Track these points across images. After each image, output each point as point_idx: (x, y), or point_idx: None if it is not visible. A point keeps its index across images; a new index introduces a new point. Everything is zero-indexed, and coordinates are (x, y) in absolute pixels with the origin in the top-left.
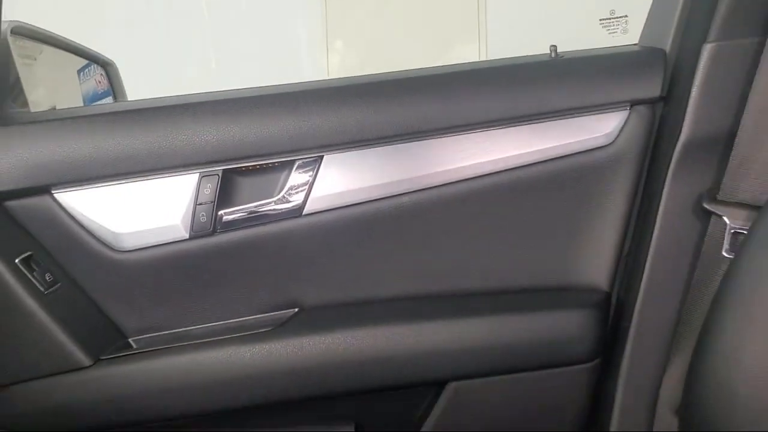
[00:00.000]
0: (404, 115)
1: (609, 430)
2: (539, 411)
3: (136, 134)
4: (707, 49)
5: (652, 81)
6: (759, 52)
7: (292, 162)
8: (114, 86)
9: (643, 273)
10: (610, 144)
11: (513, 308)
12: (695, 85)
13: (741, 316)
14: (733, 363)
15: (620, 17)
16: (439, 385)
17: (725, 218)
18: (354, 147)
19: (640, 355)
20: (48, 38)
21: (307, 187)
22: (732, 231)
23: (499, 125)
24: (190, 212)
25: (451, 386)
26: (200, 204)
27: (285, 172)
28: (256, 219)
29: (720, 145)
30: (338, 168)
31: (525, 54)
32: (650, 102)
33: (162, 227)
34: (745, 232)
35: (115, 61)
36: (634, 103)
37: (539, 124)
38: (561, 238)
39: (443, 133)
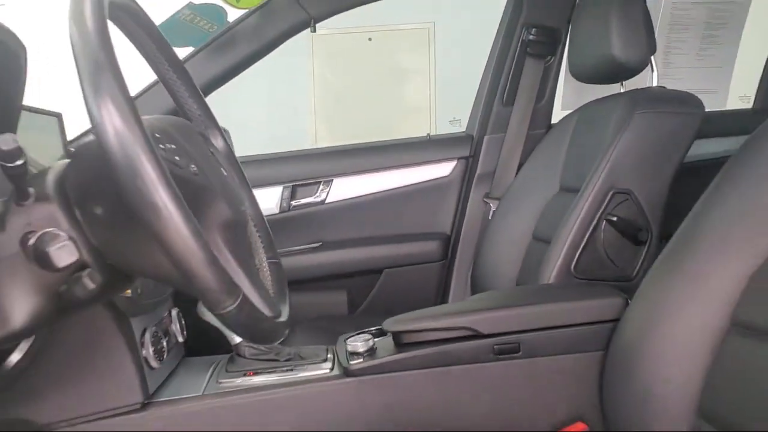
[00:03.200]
0: (355, 163)
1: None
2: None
3: None
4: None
5: (466, 149)
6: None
7: (322, 181)
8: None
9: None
10: (448, 176)
11: None
12: (482, 150)
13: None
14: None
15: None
16: None
17: (491, 204)
18: (341, 176)
19: None
20: None
21: (327, 190)
22: (492, 210)
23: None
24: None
25: None
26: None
27: (320, 186)
28: (307, 205)
29: (490, 176)
30: (336, 184)
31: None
32: (465, 158)
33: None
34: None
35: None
36: (458, 158)
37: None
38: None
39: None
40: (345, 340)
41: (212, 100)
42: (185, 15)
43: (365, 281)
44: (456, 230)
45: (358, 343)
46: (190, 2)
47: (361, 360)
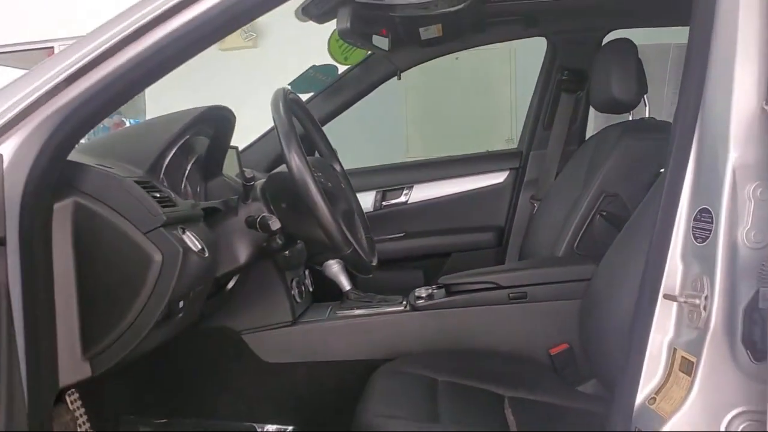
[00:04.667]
0: (431, 173)
1: None
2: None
3: None
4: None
5: (516, 162)
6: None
7: (405, 187)
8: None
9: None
10: (502, 182)
11: None
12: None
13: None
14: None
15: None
16: None
17: (535, 204)
18: (421, 183)
19: None
20: None
21: (410, 194)
22: (535, 208)
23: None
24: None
25: None
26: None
27: (404, 190)
28: (394, 205)
29: (534, 182)
30: (417, 189)
31: None
32: (516, 169)
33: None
34: None
35: None
36: (510, 168)
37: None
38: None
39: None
40: (414, 290)
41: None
42: (310, 72)
43: (437, 263)
44: (508, 223)
45: (422, 291)
46: (313, 65)
47: (423, 301)
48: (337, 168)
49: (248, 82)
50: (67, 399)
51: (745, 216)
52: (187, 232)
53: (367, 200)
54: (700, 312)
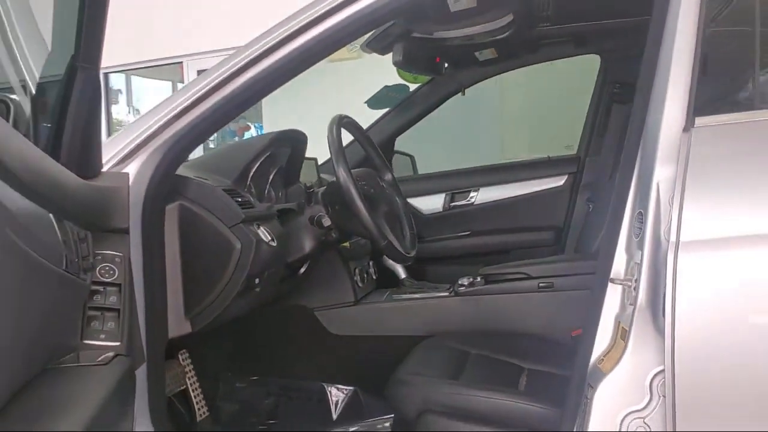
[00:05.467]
0: (496, 177)
1: None
2: None
3: None
4: None
5: (574, 166)
6: None
7: (472, 189)
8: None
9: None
10: (561, 185)
11: None
12: (585, 167)
13: None
14: None
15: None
16: None
17: (590, 205)
18: (486, 186)
19: None
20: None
21: (476, 196)
22: (590, 209)
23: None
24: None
25: None
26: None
27: (471, 192)
28: (462, 206)
29: (590, 186)
30: (482, 191)
31: None
32: (573, 173)
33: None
34: None
35: None
36: (569, 173)
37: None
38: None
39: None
40: (459, 279)
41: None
42: (383, 92)
43: (499, 259)
44: (566, 223)
45: (465, 280)
46: (386, 85)
47: (464, 288)
48: (388, 177)
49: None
50: (180, 357)
51: (667, 218)
52: (261, 228)
53: (437, 202)
54: (632, 292)
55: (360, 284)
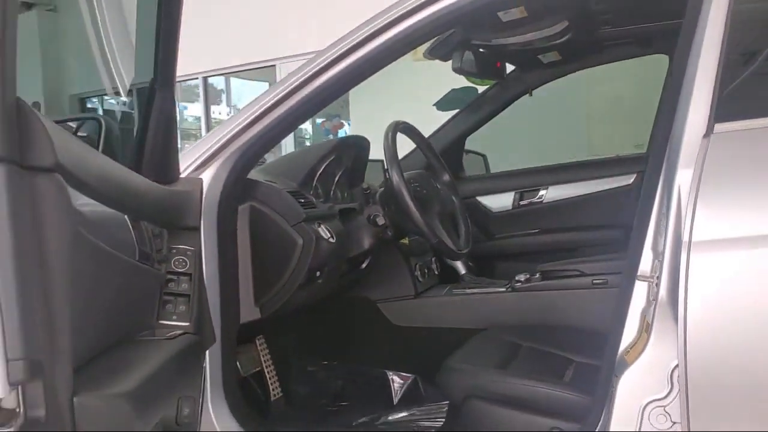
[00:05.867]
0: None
1: None
2: None
3: None
4: None
5: (644, 165)
6: None
7: (541, 188)
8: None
9: None
10: (630, 184)
11: None
12: None
13: None
14: None
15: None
16: None
17: None
18: (555, 184)
19: None
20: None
21: (545, 194)
22: None
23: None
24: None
25: None
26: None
27: (540, 191)
28: (531, 204)
29: None
30: (551, 190)
31: None
32: (643, 172)
33: None
34: None
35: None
36: (638, 171)
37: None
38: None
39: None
40: (515, 276)
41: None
42: (451, 94)
43: (566, 257)
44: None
45: (522, 276)
46: (453, 88)
47: (520, 284)
48: (445, 178)
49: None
50: (257, 342)
51: (686, 219)
52: (322, 226)
53: (507, 200)
54: (654, 288)
55: (421, 279)
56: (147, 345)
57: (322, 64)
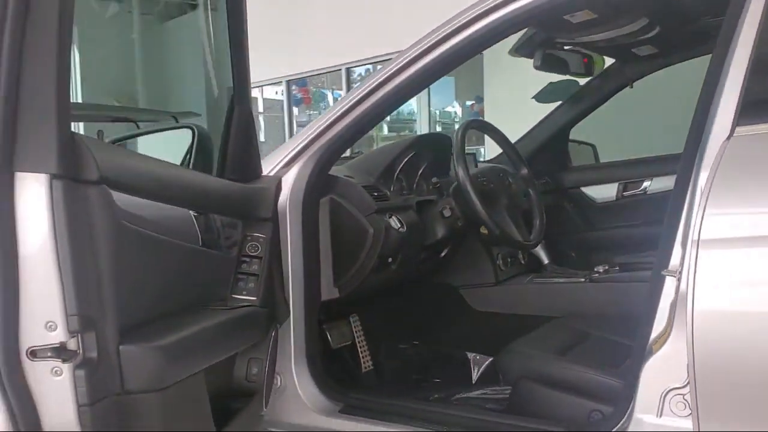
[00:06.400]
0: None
1: None
2: None
3: None
4: None
5: None
6: None
7: (644, 180)
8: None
9: None
10: None
11: None
12: None
13: None
14: None
15: None
16: None
17: None
18: (660, 176)
19: None
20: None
21: (649, 185)
22: None
23: None
24: None
25: None
26: None
27: (645, 182)
28: (633, 195)
29: None
30: (655, 181)
31: None
32: None
33: None
34: None
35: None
36: None
37: None
38: None
39: None
40: (594, 268)
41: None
42: (549, 87)
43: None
44: None
45: (601, 267)
46: (551, 81)
47: (598, 275)
48: (523, 172)
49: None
50: (350, 318)
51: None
52: (393, 217)
53: (611, 191)
54: (676, 282)
55: (503, 267)
56: (214, 312)
57: (398, 66)
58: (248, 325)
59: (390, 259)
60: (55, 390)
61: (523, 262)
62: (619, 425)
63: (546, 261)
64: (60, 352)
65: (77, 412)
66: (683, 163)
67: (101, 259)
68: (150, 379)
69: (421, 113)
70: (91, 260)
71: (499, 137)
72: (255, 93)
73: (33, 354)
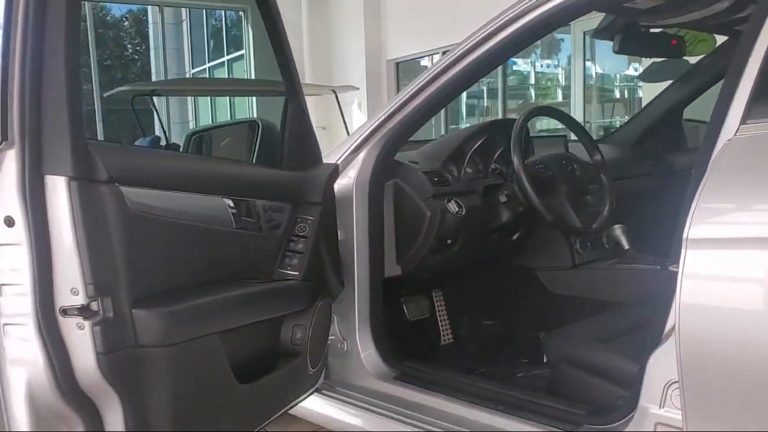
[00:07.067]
0: None
1: None
2: None
3: None
4: None
5: None
6: None
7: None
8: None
9: None
10: None
11: None
12: None
13: None
14: None
15: None
16: None
17: None
18: None
19: None
20: None
21: None
22: None
23: None
24: None
25: None
26: None
27: None
28: None
29: None
30: None
31: None
32: None
33: None
34: None
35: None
36: None
37: None
38: None
39: None
40: None
41: None
42: (654, 66)
43: None
44: None
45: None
46: (654, 61)
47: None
48: (597, 157)
49: None
50: (433, 294)
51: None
52: (452, 201)
53: None
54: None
55: (580, 251)
56: (239, 284)
57: (460, 52)
58: (283, 296)
59: (449, 241)
60: (80, 340)
61: (607, 246)
62: (630, 414)
63: (626, 247)
64: (82, 311)
65: (96, 358)
66: (699, 161)
67: (113, 241)
68: (158, 337)
69: None
70: (104, 242)
71: (569, 122)
72: (425, 62)
73: (64, 312)
